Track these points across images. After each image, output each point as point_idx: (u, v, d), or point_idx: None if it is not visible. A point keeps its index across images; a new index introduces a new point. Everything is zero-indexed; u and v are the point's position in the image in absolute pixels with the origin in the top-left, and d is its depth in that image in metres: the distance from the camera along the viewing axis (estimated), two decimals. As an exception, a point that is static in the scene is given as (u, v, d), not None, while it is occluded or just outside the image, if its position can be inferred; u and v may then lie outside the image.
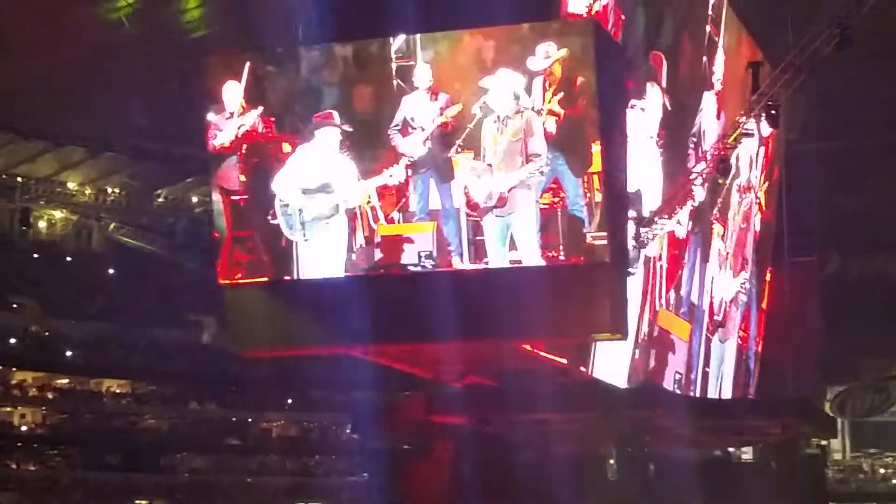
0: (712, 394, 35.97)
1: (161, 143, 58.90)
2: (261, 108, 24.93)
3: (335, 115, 24.63)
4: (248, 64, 24.92)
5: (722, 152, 30.36)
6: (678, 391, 32.94)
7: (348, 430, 58.07)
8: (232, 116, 25.03)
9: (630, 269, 26.81)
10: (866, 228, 55.09)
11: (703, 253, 34.11)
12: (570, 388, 29.47)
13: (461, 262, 24.15)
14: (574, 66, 23.28)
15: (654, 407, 31.04)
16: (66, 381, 60.33)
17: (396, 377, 36.19)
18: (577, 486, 30.30)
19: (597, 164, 23.47)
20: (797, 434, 38.34)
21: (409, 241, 24.45)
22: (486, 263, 24.06)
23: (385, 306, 24.72)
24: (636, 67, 28.70)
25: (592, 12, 26.21)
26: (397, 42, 24.26)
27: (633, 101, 27.94)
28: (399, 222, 24.47)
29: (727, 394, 37.32)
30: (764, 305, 40.74)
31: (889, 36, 41.59)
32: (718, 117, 33.47)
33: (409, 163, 24.29)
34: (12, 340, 58.40)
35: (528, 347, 26.57)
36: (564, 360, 27.53)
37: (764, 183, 39.05)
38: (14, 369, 58.90)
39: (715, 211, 34.56)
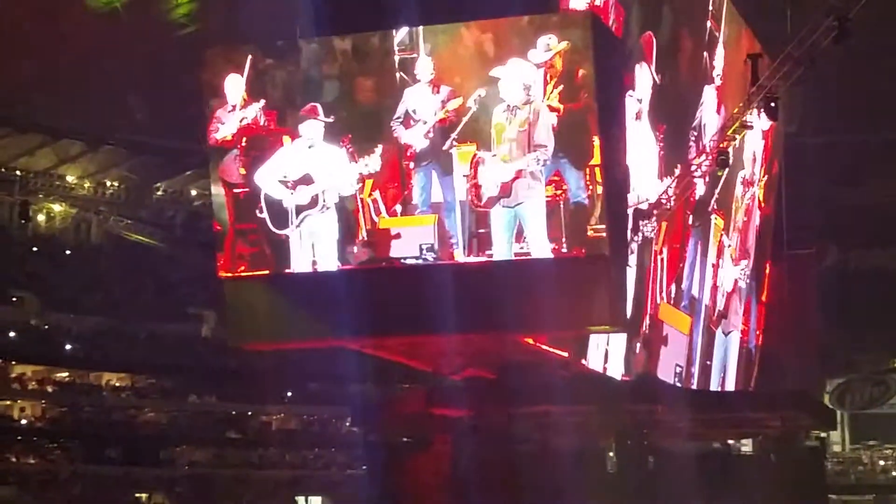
0: (714, 387, 36.00)
1: (160, 136, 58.90)
2: (263, 102, 24.97)
3: (319, 108, 24.68)
4: (249, 57, 24.94)
5: (721, 145, 30.39)
6: (678, 384, 32.96)
7: (348, 423, 58.19)
8: (234, 109, 25.07)
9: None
10: (865, 222, 55.17)
11: (703, 246, 34.13)
12: (570, 381, 29.48)
13: (463, 255, 24.15)
14: (574, 58, 23.31)
15: (653, 400, 31.04)
16: (66, 374, 60.37)
17: (396, 370, 36.31)
18: (577, 480, 30.29)
19: (598, 157, 23.50)
20: (796, 426, 38.38)
21: (399, 236, 24.48)
22: (490, 256, 24.06)
23: (384, 299, 24.74)
24: (633, 60, 28.70)
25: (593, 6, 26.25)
26: (400, 34, 24.29)
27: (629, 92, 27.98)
28: (401, 215, 24.50)
29: (730, 387, 37.34)
30: (763, 298, 40.77)
31: (888, 29, 41.62)
32: (719, 111, 33.50)
33: (410, 154, 24.39)
34: (12, 334, 58.42)
35: (529, 341, 26.59)
36: (566, 353, 27.53)
37: (763, 177, 39.07)
38: (13, 363, 58.93)
39: (714, 203, 34.55)
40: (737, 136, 31.19)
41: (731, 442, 42.71)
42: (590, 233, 23.60)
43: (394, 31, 24.33)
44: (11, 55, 49.14)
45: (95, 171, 63.95)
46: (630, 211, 27.50)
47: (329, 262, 24.92)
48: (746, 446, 43.88)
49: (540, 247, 23.81)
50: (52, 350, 59.29)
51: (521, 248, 23.97)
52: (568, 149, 23.53)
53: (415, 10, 24.27)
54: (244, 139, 25.15)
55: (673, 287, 32.28)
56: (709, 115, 33.16)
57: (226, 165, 25.32)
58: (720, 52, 33.96)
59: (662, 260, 31.04)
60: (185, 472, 60.11)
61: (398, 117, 24.34)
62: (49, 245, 64.06)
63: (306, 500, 62.58)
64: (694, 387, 34.25)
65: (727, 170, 32.72)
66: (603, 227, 23.58)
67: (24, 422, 58.75)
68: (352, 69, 24.70)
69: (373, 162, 24.36)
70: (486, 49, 23.89)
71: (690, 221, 32.86)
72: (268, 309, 25.90)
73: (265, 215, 24.96)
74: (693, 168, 30.60)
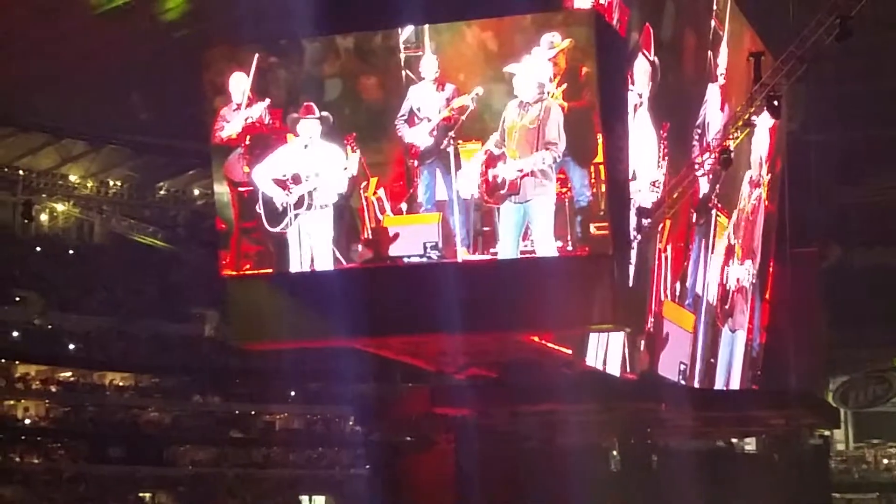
0: (720, 385, 35.96)
1: (162, 136, 58.89)
2: (268, 101, 24.97)
3: (314, 107, 24.69)
4: (256, 56, 24.95)
5: (724, 143, 30.38)
6: (682, 382, 32.93)
7: (351, 423, 58.23)
8: (239, 108, 25.08)
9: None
10: (868, 220, 55.11)
11: (707, 244, 34.11)
12: (573, 379, 29.46)
13: (467, 253, 24.15)
14: (578, 56, 23.32)
15: (657, 398, 31.03)
16: (69, 374, 60.45)
17: (399, 369, 36.30)
18: (581, 478, 30.27)
19: (601, 155, 23.50)
20: (800, 425, 38.36)
21: (402, 235, 24.49)
22: (495, 254, 24.06)
23: (388, 298, 24.74)
24: (634, 54, 28.69)
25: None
26: (406, 32, 24.29)
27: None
28: (406, 213, 24.49)
29: (735, 385, 37.30)
30: (767, 296, 40.75)
31: (891, 26, 41.60)
32: (722, 109, 33.48)
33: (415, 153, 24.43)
34: (15, 334, 58.48)
35: (534, 338, 26.57)
36: (569, 351, 27.50)
37: (767, 174, 39.05)
38: (17, 362, 58.99)
39: (718, 201, 34.53)
40: (739, 135, 31.18)
41: (734, 440, 42.66)
42: (593, 231, 23.59)
43: (399, 30, 24.33)
44: (14, 54, 49.12)
45: (98, 170, 63.92)
46: (633, 209, 27.47)
47: (325, 261, 24.90)
48: (750, 445, 43.83)
49: (546, 246, 23.80)
50: (55, 350, 59.34)
51: (526, 246, 23.97)
52: (572, 147, 23.54)
53: (419, 9, 24.27)
54: (248, 137, 25.17)
55: (677, 285, 32.26)
56: (712, 113, 33.14)
57: (230, 164, 25.33)
58: (724, 50, 33.96)
59: (666, 258, 31.03)
60: (188, 471, 60.13)
61: (402, 115, 24.35)
62: (52, 245, 64.08)
63: (310, 500, 62.60)
64: (697, 385, 34.22)
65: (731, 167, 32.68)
66: (606, 225, 23.58)
67: (27, 421, 58.83)
68: (355, 67, 24.71)
69: (351, 164, 24.42)
70: (490, 47, 23.90)
71: (694, 219, 32.84)
72: (271, 308, 25.89)
73: (261, 213, 24.99)
74: (696, 166, 30.59)
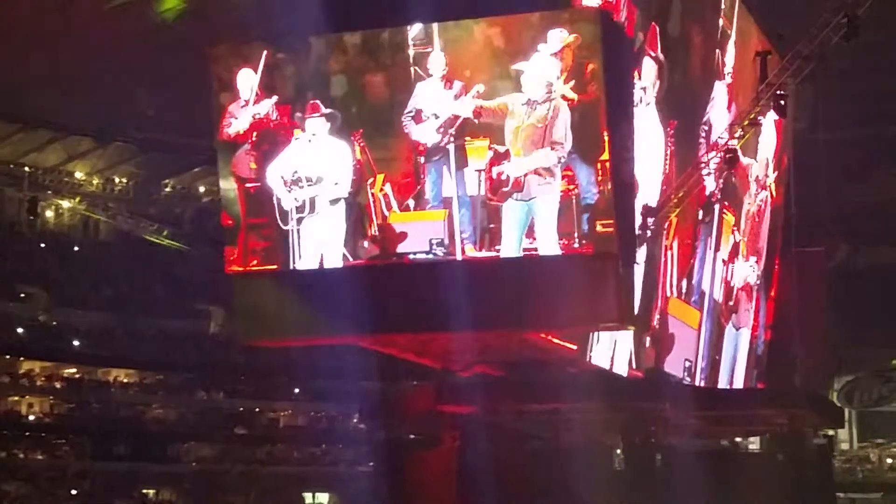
0: (723, 382, 35.92)
1: (168, 133, 58.92)
2: (275, 98, 24.99)
3: (320, 104, 24.71)
4: (264, 53, 24.96)
5: (730, 142, 30.35)
6: (687, 378, 32.90)
7: (356, 420, 58.16)
8: (247, 104, 25.09)
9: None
10: (874, 219, 55.07)
11: (713, 241, 34.07)
12: (578, 378, 29.46)
13: (474, 250, 24.15)
14: (584, 53, 23.34)
15: (661, 397, 31.01)
16: (74, 370, 60.46)
17: (404, 367, 36.24)
18: (585, 476, 30.28)
19: (607, 153, 23.52)
20: (804, 424, 38.33)
21: (408, 232, 24.51)
22: (498, 251, 24.06)
23: (393, 296, 24.74)
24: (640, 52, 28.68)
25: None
26: (415, 29, 24.30)
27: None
28: (413, 210, 24.50)
29: (739, 383, 37.26)
30: (772, 294, 40.70)
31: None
32: (729, 108, 33.43)
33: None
34: (20, 330, 58.51)
35: (541, 335, 26.56)
36: (574, 347, 27.47)
37: (774, 171, 38.98)
38: (22, 359, 59.00)
39: (725, 199, 34.50)
40: (745, 133, 31.16)
41: (738, 440, 42.69)
42: (599, 228, 23.58)
43: (408, 27, 24.35)
44: (20, 51, 49.17)
45: (104, 167, 63.99)
46: (639, 207, 27.45)
47: (335, 258, 24.92)
48: (754, 444, 43.88)
49: (549, 244, 23.79)
50: (60, 346, 59.39)
51: (532, 244, 23.97)
52: (579, 144, 23.54)
53: (427, 7, 24.28)
54: (255, 134, 25.19)
55: (684, 282, 32.23)
56: (719, 111, 33.11)
57: (238, 160, 25.37)
58: (731, 48, 33.92)
59: (672, 255, 30.99)
60: (192, 468, 60.15)
61: (409, 112, 24.36)
62: (57, 241, 64.11)
63: (314, 497, 62.64)
64: (702, 382, 34.19)
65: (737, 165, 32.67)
66: (611, 222, 23.57)
67: (32, 418, 58.84)
68: (363, 64, 24.73)
69: None
70: (497, 44, 23.92)
71: (700, 217, 32.81)
72: (276, 305, 25.90)
73: (274, 209, 25.03)
74: (702, 164, 30.57)
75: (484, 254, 24.19)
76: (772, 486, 34.89)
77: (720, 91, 33.46)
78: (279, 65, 25.13)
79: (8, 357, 58.37)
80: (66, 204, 64.29)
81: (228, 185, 25.52)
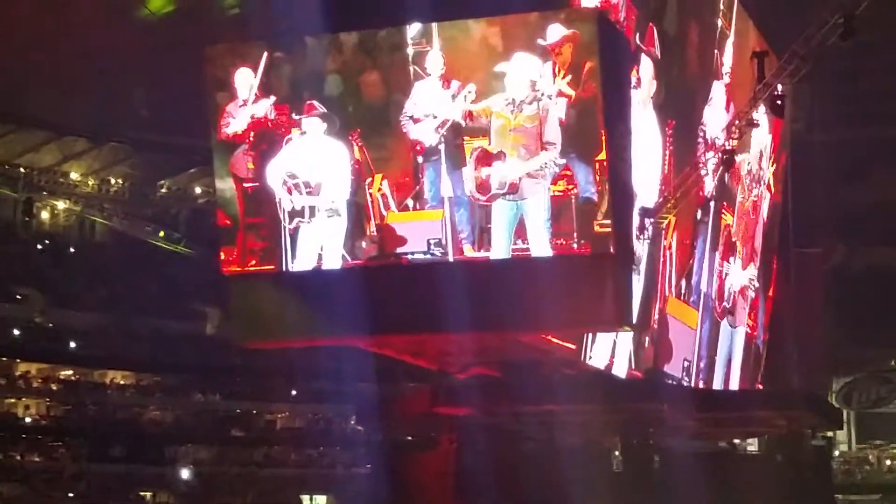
0: (718, 382, 35.85)
1: (164, 133, 58.86)
2: (273, 98, 24.91)
3: (317, 104, 24.64)
4: (265, 53, 24.89)
5: (728, 142, 30.28)
6: (686, 378, 32.82)
7: (353, 422, 58.14)
8: (245, 104, 25.00)
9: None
10: (872, 220, 55.04)
11: (712, 242, 34.01)
12: (575, 379, 29.37)
13: (472, 250, 24.08)
14: (582, 52, 23.27)
15: (659, 399, 30.92)
16: (70, 372, 60.40)
17: (401, 369, 36.19)
18: (583, 478, 30.20)
19: (605, 153, 23.45)
20: (803, 426, 38.30)
21: (406, 232, 24.44)
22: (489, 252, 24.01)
23: (390, 297, 24.64)
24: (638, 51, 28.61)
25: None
26: (414, 28, 24.23)
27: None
28: (412, 209, 24.42)
29: (735, 382, 37.20)
30: (770, 294, 40.66)
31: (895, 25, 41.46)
32: (727, 108, 33.37)
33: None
34: (16, 332, 58.45)
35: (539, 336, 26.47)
36: (573, 346, 27.37)
37: (771, 166, 38.89)
38: (18, 360, 58.92)
39: (723, 199, 34.44)
40: (744, 134, 31.09)
41: (736, 441, 42.60)
42: (597, 228, 23.51)
43: (406, 26, 24.28)
44: (16, 52, 49.10)
45: (99, 168, 63.94)
46: (637, 208, 27.36)
47: (334, 259, 24.85)
48: (752, 446, 43.78)
49: (540, 245, 23.72)
50: (56, 348, 59.32)
51: (523, 245, 23.90)
52: (577, 143, 23.47)
53: (425, 7, 24.21)
54: (252, 134, 25.11)
55: (683, 282, 32.16)
56: (717, 111, 33.05)
57: (236, 160, 25.28)
58: (730, 48, 33.87)
59: (671, 255, 30.91)
60: (189, 470, 60.02)
61: (408, 112, 24.27)
62: (53, 242, 64.02)
63: (311, 499, 62.56)
64: (701, 382, 34.13)
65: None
66: (609, 222, 23.48)
67: (28, 420, 58.79)
68: (360, 63, 24.65)
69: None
70: (494, 44, 23.85)
71: (699, 217, 32.74)
72: (273, 307, 25.79)
73: (276, 210, 24.97)
74: (700, 165, 30.50)
75: (482, 254, 24.11)
76: (770, 487, 34.87)
77: (718, 91, 33.41)
78: (276, 64, 25.04)
79: (4, 359, 58.32)
80: (61, 205, 64.20)
81: (226, 185, 25.42)
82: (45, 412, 59.38)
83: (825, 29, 28.27)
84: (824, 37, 28.41)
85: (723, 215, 34.67)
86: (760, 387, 39.57)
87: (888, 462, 56.42)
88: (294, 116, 24.82)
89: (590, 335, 27.91)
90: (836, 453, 53.34)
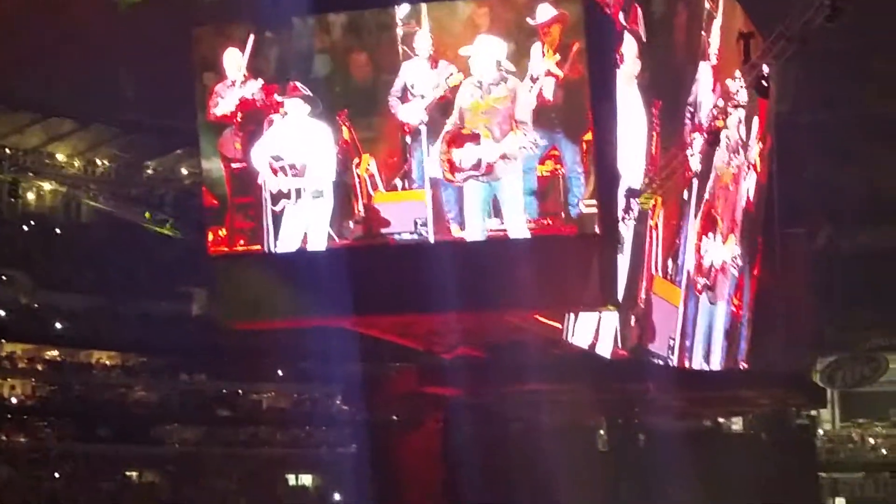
0: (699, 357, 35.97)
1: (150, 114, 58.66)
2: (261, 80, 24.91)
3: (300, 86, 24.67)
4: (252, 35, 24.87)
5: (714, 124, 30.31)
6: (672, 357, 32.95)
7: (339, 402, 58.20)
8: (234, 84, 25.01)
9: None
10: (858, 201, 55.13)
11: (693, 217, 34.08)
12: (561, 359, 29.47)
13: (460, 231, 24.16)
14: (570, 33, 23.37)
15: (644, 378, 31.04)
16: (56, 353, 60.30)
17: (387, 349, 36.22)
18: (569, 458, 30.35)
19: (590, 133, 23.54)
20: (787, 404, 38.51)
21: (392, 213, 24.48)
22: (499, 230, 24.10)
23: (376, 277, 24.70)
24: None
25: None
26: (403, 8, 24.25)
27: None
28: (401, 189, 24.46)
29: (716, 359, 37.33)
30: (755, 273, 40.74)
31: (881, 6, 41.53)
32: (714, 89, 33.42)
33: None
34: (2, 312, 58.37)
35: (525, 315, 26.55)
36: (559, 325, 27.46)
37: (758, 143, 38.91)
38: (4, 341, 58.85)
39: (709, 179, 34.48)
40: (729, 116, 31.11)
41: (721, 420, 42.79)
42: (582, 209, 23.60)
43: (396, 7, 24.30)
44: (1, 32, 48.88)
45: (85, 149, 63.71)
46: (623, 189, 27.42)
47: (319, 239, 24.89)
48: (737, 425, 43.97)
49: (517, 226, 23.81)
50: (42, 328, 59.27)
51: (499, 225, 24.01)
52: (564, 122, 23.55)
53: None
54: (240, 114, 25.12)
55: (669, 262, 32.24)
56: (704, 92, 33.09)
57: (225, 139, 25.32)
58: (716, 30, 33.89)
59: (658, 235, 30.97)
60: (175, 450, 60.08)
61: (396, 92, 24.32)
62: (39, 223, 63.87)
63: (297, 479, 62.63)
64: (686, 360, 34.26)
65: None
66: (594, 202, 23.58)
67: (14, 400, 58.72)
68: (348, 43, 24.67)
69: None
70: (481, 24, 23.90)
71: (686, 197, 32.80)
72: (259, 287, 25.83)
73: (261, 190, 25.00)
74: (685, 145, 30.54)
75: (458, 235, 24.18)
76: (755, 466, 35.02)
77: (705, 72, 33.44)
78: (264, 45, 25.03)
79: (-10, 339, 58.28)
80: (47, 186, 64.04)
81: (212, 165, 25.44)
82: (31, 393, 59.32)
83: (811, 10, 28.31)
84: (810, 18, 28.45)
85: (706, 194, 34.73)
86: (745, 366, 39.69)
87: (872, 440, 56.58)
88: (277, 98, 24.87)
89: (572, 314, 28.01)
90: (820, 432, 53.52)
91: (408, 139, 24.36)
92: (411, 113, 24.24)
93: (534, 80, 23.81)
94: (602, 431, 35.25)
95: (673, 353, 33.30)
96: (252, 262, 25.53)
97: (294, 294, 25.66)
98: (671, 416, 36.41)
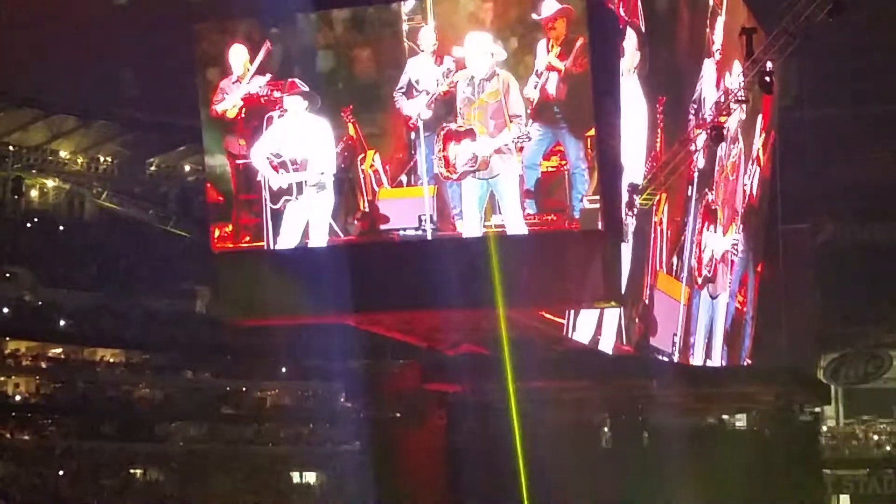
0: (700, 351, 35.94)
1: (153, 111, 58.69)
2: (269, 76, 24.88)
3: (298, 83, 24.64)
4: (256, 32, 24.86)
5: (717, 119, 30.28)
6: (676, 353, 32.93)
7: (342, 399, 58.17)
8: (239, 81, 24.98)
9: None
10: (860, 197, 55.13)
11: (695, 211, 34.05)
12: (564, 356, 29.44)
13: (464, 226, 24.14)
14: (574, 27, 23.35)
15: (648, 375, 31.01)
16: (60, 350, 60.31)
17: (390, 346, 36.20)
18: (573, 455, 30.31)
19: (594, 129, 23.53)
20: (791, 401, 38.36)
21: (397, 209, 24.48)
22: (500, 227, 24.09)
23: (379, 275, 24.69)
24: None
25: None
26: (409, 4, 24.21)
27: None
28: (406, 185, 24.45)
29: (717, 354, 37.31)
30: (759, 269, 40.70)
31: (885, 5, 41.52)
32: (718, 86, 33.38)
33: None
34: (6, 310, 58.35)
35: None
36: (563, 321, 27.43)
37: (761, 135, 38.86)
38: (7, 339, 58.84)
39: (714, 174, 34.47)
40: (732, 111, 31.09)
41: (725, 417, 42.71)
42: (586, 205, 23.58)
43: (401, 2, 24.28)
44: (5, 30, 48.92)
45: (88, 146, 63.75)
46: (626, 185, 27.38)
47: (321, 236, 24.87)
48: (741, 421, 43.86)
49: (515, 221, 23.80)
50: (46, 326, 59.22)
51: (498, 221, 24.02)
52: (568, 117, 23.53)
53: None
54: (244, 110, 25.10)
55: (674, 258, 32.21)
56: (708, 88, 33.05)
57: (232, 136, 25.29)
58: (720, 25, 33.85)
59: (662, 231, 30.94)
60: (179, 447, 60.10)
61: (401, 88, 24.29)
62: (43, 220, 63.89)
63: (301, 476, 62.63)
64: (690, 356, 34.25)
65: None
66: (597, 198, 23.56)
67: (18, 398, 58.71)
68: (352, 39, 24.64)
69: None
70: (485, 20, 23.89)
71: (690, 193, 32.76)
72: (262, 284, 25.83)
73: (264, 187, 24.99)
74: (689, 141, 30.50)
75: (457, 232, 24.16)
76: (758, 462, 34.93)
77: (709, 68, 33.40)
78: (269, 40, 25.00)
79: (-7, 337, 58.28)
80: (50, 183, 64.05)
81: (216, 162, 25.43)
82: (35, 390, 59.31)
83: (814, 6, 28.30)
84: (813, 14, 28.44)
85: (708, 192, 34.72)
86: (749, 362, 39.67)
87: (875, 437, 56.58)
88: (276, 95, 24.85)
89: (573, 311, 27.99)
90: (824, 429, 53.46)
91: (413, 135, 24.35)
92: (417, 109, 24.21)
93: (539, 74, 23.79)
94: (606, 428, 35.19)
95: (678, 350, 33.28)
96: (255, 260, 25.51)
97: (297, 291, 25.65)
98: (675, 412, 36.34)
